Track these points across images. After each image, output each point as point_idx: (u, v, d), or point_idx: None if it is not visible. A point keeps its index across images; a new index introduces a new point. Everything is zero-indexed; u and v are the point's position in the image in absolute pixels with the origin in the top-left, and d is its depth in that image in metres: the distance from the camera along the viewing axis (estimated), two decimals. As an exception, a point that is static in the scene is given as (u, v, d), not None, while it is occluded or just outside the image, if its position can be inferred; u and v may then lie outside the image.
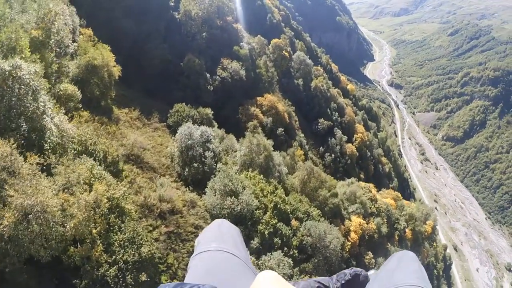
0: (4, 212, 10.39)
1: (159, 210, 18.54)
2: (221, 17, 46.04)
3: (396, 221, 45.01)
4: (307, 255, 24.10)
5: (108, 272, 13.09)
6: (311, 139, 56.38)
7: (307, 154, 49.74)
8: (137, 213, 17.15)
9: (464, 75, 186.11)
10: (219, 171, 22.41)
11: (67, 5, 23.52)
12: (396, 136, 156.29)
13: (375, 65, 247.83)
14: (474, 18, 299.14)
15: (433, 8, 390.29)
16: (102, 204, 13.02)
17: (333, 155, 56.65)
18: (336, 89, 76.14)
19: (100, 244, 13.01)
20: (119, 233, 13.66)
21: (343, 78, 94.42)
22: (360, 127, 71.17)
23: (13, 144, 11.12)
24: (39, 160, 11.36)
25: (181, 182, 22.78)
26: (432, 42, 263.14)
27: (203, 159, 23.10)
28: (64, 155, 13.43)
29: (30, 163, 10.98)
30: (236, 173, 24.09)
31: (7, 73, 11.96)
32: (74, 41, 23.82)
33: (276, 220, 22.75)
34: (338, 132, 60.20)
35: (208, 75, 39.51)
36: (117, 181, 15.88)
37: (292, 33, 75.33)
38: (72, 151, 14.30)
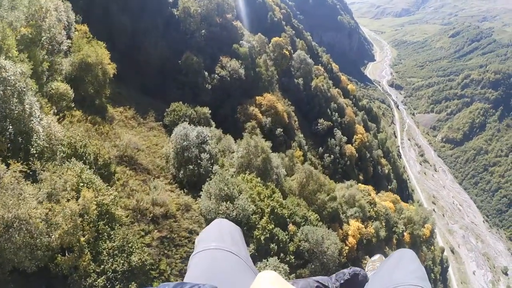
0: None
1: (152, 214, 17.96)
2: (221, 14, 45.29)
3: (395, 225, 44.55)
4: (304, 260, 23.56)
5: (96, 282, 12.56)
6: (311, 140, 55.82)
7: (306, 155, 49.17)
8: (128, 217, 16.59)
9: (465, 77, 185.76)
10: (215, 173, 21.82)
11: (62, 1, 22.82)
12: (396, 136, 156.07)
13: (376, 65, 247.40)
14: (476, 20, 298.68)
15: (435, 9, 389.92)
16: (90, 211, 12.44)
17: (332, 156, 56.23)
18: (337, 89, 75.56)
19: (88, 253, 12.47)
20: (108, 241, 13.11)
21: (343, 78, 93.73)
22: (360, 128, 70.61)
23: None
24: (23, 167, 10.75)
25: (176, 184, 22.17)
26: (433, 44, 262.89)
27: (198, 161, 22.50)
28: (52, 159, 12.83)
29: (13, 171, 10.38)
30: (232, 175, 23.50)
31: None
32: (69, 37, 23.11)
33: (273, 225, 22.18)
34: (338, 133, 59.75)
35: (206, 73, 38.85)
36: (108, 185, 15.28)
37: (293, 31, 74.62)
38: (61, 154, 13.68)
